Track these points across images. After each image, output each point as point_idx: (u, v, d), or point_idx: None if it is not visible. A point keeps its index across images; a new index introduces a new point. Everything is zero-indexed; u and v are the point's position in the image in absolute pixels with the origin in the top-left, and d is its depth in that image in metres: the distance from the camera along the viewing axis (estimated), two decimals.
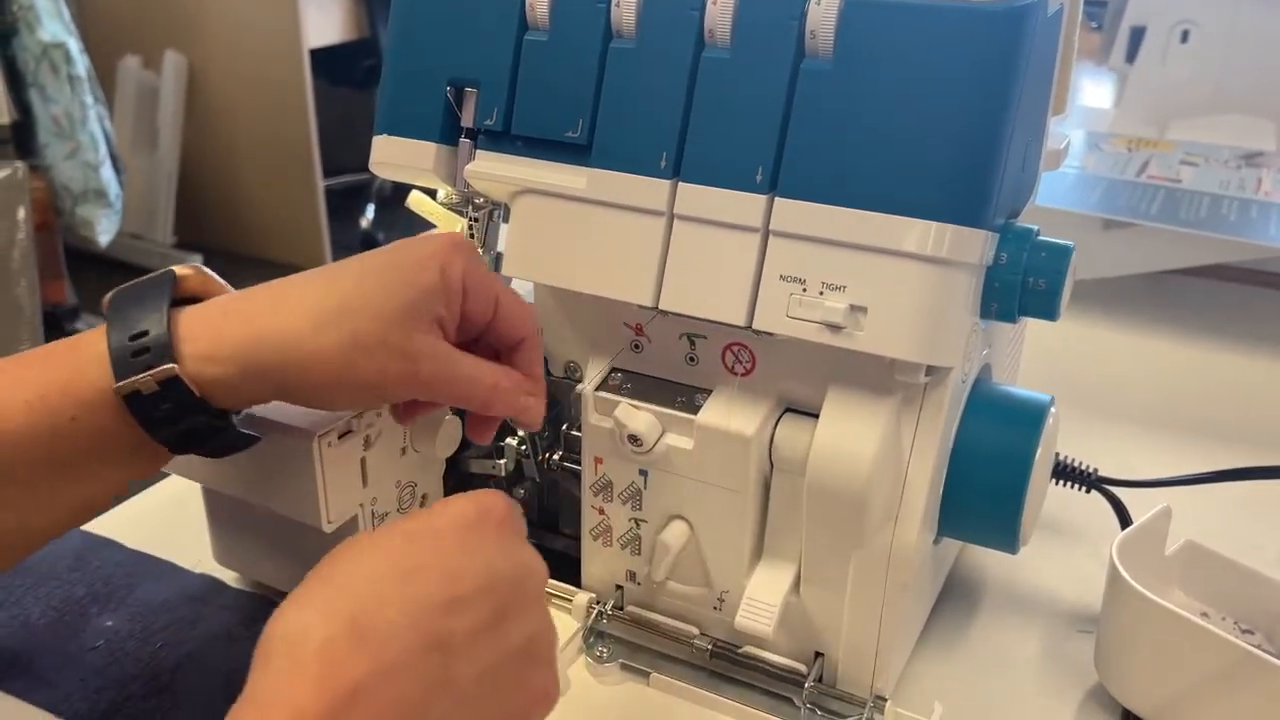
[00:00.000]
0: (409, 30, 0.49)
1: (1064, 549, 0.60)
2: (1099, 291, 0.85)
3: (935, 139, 0.40)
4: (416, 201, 0.54)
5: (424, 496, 0.52)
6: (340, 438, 0.46)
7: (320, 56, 2.73)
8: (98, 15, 2.89)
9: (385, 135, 0.50)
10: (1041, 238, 0.44)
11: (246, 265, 2.93)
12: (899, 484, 0.44)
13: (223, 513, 0.53)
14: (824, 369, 0.45)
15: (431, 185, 0.51)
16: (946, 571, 0.55)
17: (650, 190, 0.45)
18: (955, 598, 0.56)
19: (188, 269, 0.43)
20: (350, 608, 0.32)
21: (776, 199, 0.42)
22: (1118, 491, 0.56)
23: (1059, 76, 0.50)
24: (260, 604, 0.53)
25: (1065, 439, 0.53)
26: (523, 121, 0.47)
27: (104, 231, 2.28)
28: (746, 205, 0.43)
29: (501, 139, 0.48)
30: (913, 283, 0.41)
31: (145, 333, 0.39)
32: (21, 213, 1.97)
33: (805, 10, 0.41)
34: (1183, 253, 0.81)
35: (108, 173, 2.25)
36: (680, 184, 0.44)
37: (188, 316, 0.40)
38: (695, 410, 0.47)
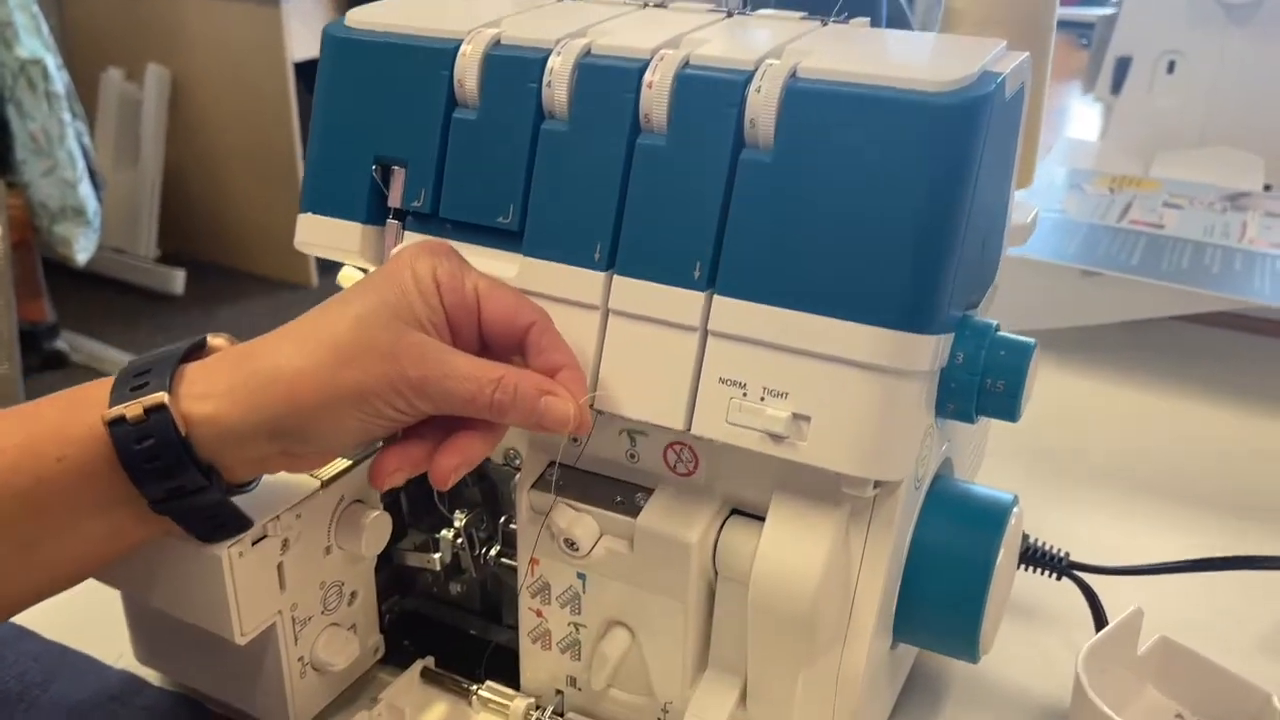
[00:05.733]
0: (334, 104, 0.47)
1: (1034, 638, 0.57)
2: (1076, 340, 0.82)
3: (881, 239, 0.37)
4: (347, 279, 0.51)
5: (353, 594, 0.49)
6: (253, 544, 0.43)
7: (305, 69, 2.69)
8: (80, 28, 2.86)
9: (310, 214, 0.47)
10: (1000, 334, 0.41)
11: (231, 278, 2.90)
12: (848, 601, 0.42)
13: (142, 613, 0.50)
14: (769, 473, 0.42)
15: (360, 265, 0.48)
16: (907, 670, 0.52)
17: (584, 282, 0.42)
18: (918, 692, 0.53)
19: (220, 339, 0.43)
20: None
21: (715, 297, 0.40)
22: (1090, 578, 0.54)
23: (1023, 150, 0.47)
24: (183, 705, 0.50)
25: (1037, 510, 0.50)
26: (451, 204, 0.44)
27: (82, 249, 2.25)
28: (684, 302, 0.40)
29: (430, 221, 0.45)
30: (858, 393, 0.38)
31: (148, 369, 0.39)
32: None
33: (745, 96, 0.39)
34: (1163, 302, 0.78)
35: (86, 190, 2.22)
36: (615, 277, 0.41)
37: (192, 367, 0.40)
38: (635, 512, 0.44)
